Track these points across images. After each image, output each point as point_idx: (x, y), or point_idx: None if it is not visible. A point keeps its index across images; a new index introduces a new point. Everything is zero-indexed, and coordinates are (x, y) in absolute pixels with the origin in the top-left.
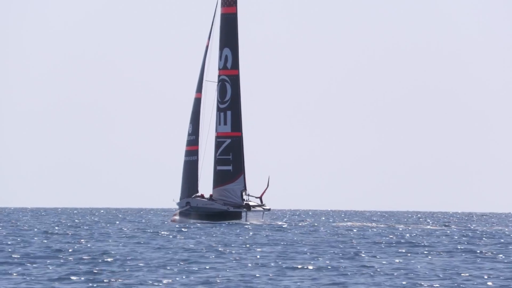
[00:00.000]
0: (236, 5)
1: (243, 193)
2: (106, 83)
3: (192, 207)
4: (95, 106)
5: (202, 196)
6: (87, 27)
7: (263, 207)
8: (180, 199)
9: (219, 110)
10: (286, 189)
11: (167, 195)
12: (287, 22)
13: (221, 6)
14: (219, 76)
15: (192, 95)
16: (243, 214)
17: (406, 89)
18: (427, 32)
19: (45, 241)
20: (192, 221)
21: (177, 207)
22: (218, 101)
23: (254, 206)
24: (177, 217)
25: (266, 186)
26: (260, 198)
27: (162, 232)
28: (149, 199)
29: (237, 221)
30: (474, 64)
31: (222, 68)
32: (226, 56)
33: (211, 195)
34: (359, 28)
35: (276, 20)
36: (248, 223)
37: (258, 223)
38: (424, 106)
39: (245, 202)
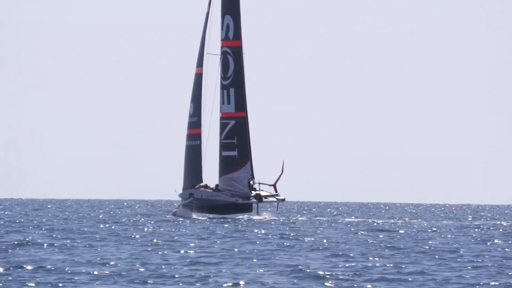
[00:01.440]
0: None
1: (250, 182)
2: (96, 62)
3: (196, 199)
4: (84, 89)
5: (206, 186)
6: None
7: (277, 197)
8: (183, 189)
9: (222, 87)
10: (298, 176)
11: (169, 185)
12: None
13: None
14: (221, 47)
15: (192, 70)
16: (254, 206)
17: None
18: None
19: None
20: (195, 214)
21: (179, 199)
22: (221, 77)
23: (266, 197)
24: (178, 210)
25: (280, 172)
26: (274, 186)
27: None
28: (148, 190)
29: (248, 215)
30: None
31: (224, 39)
32: (228, 25)
33: (216, 185)
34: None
35: None
36: (262, 217)
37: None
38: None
39: (256, 192)
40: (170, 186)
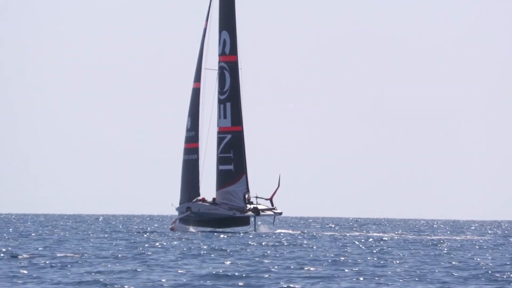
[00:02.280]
0: None
1: (246, 196)
2: (93, 76)
3: (194, 213)
4: (81, 100)
5: (203, 200)
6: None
7: (274, 210)
8: (180, 203)
9: (219, 102)
10: (294, 190)
11: (165, 199)
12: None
13: None
14: (219, 62)
15: (190, 85)
16: (252, 219)
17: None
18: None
19: None
20: (193, 228)
21: (176, 213)
22: (218, 92)
23: (263, 210)
24: (176, 225)
25: (276, 186)
26: (271, 200)
27: None
28: (144, 204)
29: (245, 228)
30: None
31: (221, 54)
32: (224, 40)
33: (214, 199)
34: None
35: None
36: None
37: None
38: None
39: (253, 205)
40: (167, 200)
